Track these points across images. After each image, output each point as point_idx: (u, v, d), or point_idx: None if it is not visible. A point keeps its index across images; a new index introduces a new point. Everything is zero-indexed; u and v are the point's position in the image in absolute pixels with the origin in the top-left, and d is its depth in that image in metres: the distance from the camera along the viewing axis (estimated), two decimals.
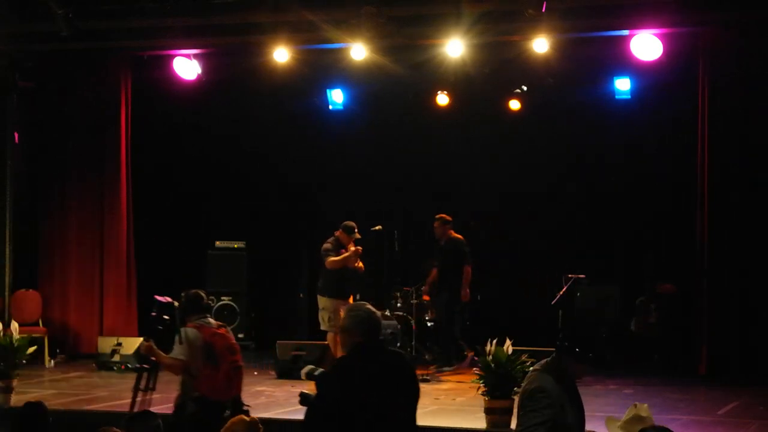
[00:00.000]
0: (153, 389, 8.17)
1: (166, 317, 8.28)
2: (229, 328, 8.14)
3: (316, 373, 5.60)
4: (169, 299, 8.35)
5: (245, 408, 7.72)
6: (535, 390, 5.31)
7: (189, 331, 7.72)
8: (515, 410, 8.43)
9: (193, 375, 7.68)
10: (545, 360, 5.50)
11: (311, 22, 11.67)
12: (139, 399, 8.10)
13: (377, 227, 12.83)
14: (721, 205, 11.96)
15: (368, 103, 15.30)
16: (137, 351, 9.51)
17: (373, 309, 5.64)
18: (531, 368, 5.84)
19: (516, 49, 12.50)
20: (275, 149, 15.59)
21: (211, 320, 7.97)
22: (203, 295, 8.05)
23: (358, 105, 15.44)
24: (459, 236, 13.01)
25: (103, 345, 12.94)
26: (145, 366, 8.15)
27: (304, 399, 5.56)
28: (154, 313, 8.32)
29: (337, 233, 12.48)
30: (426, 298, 13.69)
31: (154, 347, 7.86)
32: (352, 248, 12.08)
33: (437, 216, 13.05)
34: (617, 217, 14.51)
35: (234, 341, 7.96)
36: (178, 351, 7.70)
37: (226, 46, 13.27)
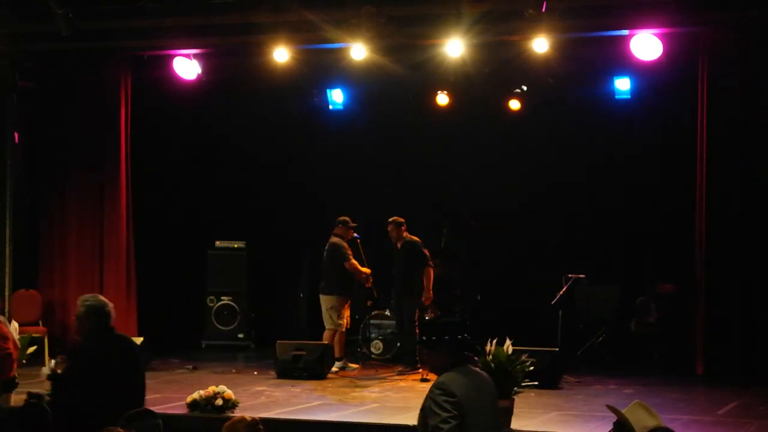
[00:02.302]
0: None
1: None
2: (4, 318, 9.18)
3: (58, 372, 6.67)
4: None
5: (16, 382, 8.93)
6: None
7: None
8: (515, 410, 8.51)
9: None
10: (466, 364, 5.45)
11: (311, 22, 11.67)
12: None
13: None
14: (720, 205, 11.94)
15: (368, 103, 15.32)
16: None
17: (106, 300, 6.73)
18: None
19: (516, 49, 12.49)
20: (275, 149, 15.60)
21: None
22: None
23: (358, 105, 15.46)
24: (415, 237, 12.57)
25: None
26: None
27: (50, 376, 6.64)
28: None
29: (336, 231, 12.59)
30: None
31: None
32: (367, 270, 12.65)
33: (390, 219, 12.61)
34: (617, 217, 14.52)
35: (7, 330, 8.95)
36: None
37: (226, 46, 13.25)
